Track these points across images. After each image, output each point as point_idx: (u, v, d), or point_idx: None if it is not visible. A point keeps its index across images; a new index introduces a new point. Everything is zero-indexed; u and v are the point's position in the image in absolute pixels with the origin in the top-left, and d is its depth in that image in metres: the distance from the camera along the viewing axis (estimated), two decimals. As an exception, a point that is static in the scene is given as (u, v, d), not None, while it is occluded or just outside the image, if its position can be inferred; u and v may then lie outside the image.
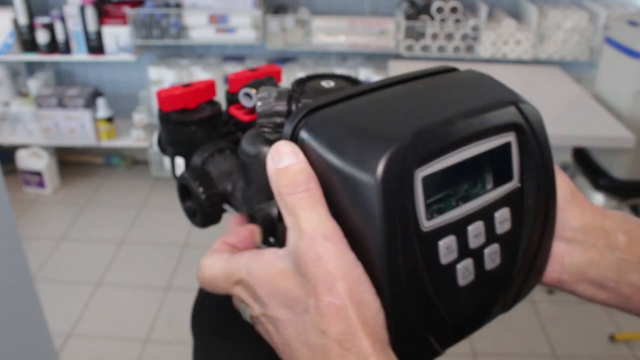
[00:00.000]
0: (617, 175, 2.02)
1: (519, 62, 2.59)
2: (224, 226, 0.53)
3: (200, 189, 0.45)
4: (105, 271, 2.31)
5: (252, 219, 0.42)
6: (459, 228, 0.33)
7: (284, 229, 0.35)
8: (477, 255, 0.34)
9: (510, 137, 0.35)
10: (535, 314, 2.09)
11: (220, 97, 0.50)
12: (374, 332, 0.30)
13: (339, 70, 2.66)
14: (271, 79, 0.45)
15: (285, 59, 2.82)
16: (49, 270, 2.31)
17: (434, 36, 2.51)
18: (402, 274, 0.30)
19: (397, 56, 2.62)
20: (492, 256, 0.35)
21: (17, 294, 0.98)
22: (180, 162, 0.50)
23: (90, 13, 2.54)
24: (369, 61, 2.76)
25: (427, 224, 0.31)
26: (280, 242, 0.37)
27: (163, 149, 0.52)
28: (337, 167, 0.31)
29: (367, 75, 2.62)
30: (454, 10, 2.47)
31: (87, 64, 2.92)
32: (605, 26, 2.47)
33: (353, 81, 0.42)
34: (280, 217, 0.35)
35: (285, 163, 0.32)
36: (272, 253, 0.34)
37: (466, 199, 0.33)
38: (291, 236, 0.32)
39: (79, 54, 2.64)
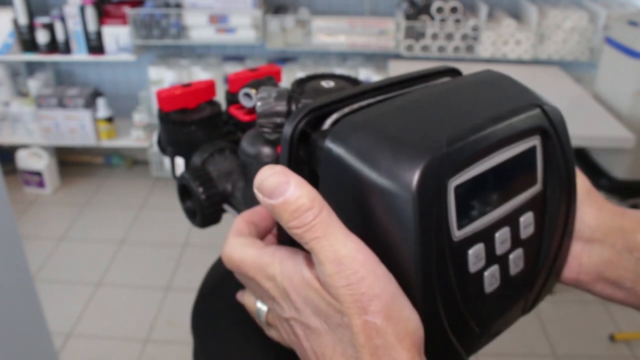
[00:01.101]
0: (617, 175, 2.02)
1: (519, 62, 2.59)
2: (224, 226, 0.53)
3: (200, 189, 0.45)
4: (105, 271, 2.31)
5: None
6: (487, 235, 0.32)
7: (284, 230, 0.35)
8: (502, 261, 0.33)
9: (535, 141, 0.34)
10: (535, 314, 2.09)
11: (220, 97, 0.50)
12: (413, 346, 0.29)
13: (339, 70, 2.66)
14: (271, 79, 0.45)
15: (285, 59, 2.82)
16: (49, 270, 2.31)
17: (434, 36, 2.51)
18: (436, 286, 0.30)
19: (397, 56, 2.62)
20: (517, 261, 0.34)
21: (17, 294, 0.98)
22: (180, 162, 0.50)
23: (90, 13, 2.54)
24: (369, 61, 2.76)
25: (458, 234, 0.30)
26: (280, 240, 0.37)
27: (163, 149, 0.52)
28: (369, 178, 0.29)
29: (367, 75, 2.62)
30: (454, 10, 2.47)
31: (87, 64, 2.92)
32: (605, 26, 2.47)
33: (353, 81, 0.42)
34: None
35: (279, 197, 0.30)
36: (305, 260, 0.32)
37: (493, 205, 0.32)
38: (315, 260, 0.30)
39: (79, 54, 2.64)
